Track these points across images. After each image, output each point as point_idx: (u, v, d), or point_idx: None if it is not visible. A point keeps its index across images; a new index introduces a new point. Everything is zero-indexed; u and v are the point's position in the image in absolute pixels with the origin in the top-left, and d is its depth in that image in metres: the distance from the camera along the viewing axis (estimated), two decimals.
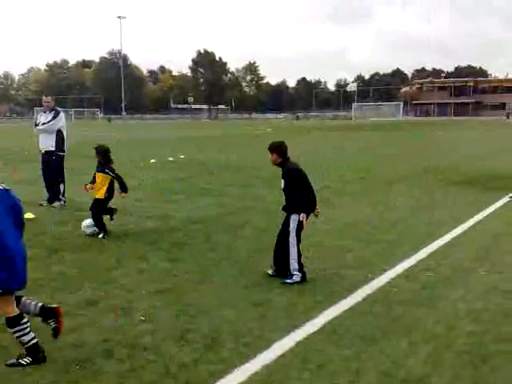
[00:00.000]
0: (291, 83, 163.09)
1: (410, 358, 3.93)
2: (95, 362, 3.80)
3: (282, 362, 3.86)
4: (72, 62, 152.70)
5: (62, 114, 10.17)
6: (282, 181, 5.66)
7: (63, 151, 10.14)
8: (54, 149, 9.97)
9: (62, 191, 10.10)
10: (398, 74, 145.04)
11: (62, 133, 10.04)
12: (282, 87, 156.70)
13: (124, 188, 7.73)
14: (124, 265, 6.18)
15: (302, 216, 5.49)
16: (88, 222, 7.69)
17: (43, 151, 10.12)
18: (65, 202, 10.09)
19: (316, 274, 5.79)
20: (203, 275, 5.83)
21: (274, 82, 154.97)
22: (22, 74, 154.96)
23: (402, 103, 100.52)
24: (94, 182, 7.83)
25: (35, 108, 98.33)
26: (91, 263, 6.27)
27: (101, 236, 7.49)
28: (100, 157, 7.79)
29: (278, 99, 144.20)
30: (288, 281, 5.51)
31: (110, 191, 7.74)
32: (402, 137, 35.43)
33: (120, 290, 5.32)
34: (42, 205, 9.97)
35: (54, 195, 10.07)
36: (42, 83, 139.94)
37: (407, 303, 4.99)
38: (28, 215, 8.72)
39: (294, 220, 5.55)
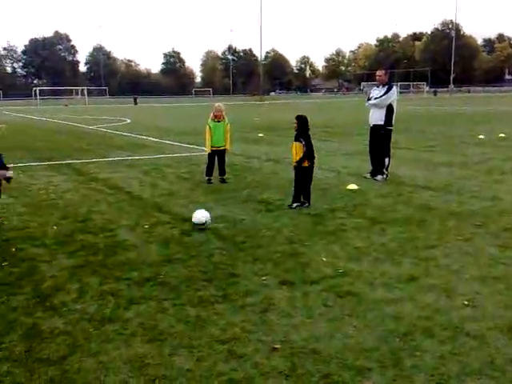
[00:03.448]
0: None
1: None
2: (414, 338, 3.79)
3: None
4: (403, 35, 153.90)
5: (394, 89, 10.21)
6: None
7: (391, 126, 10.26)
8: (382, 123, 10.14)
9: (386, 165, 10.27)
10: None
11: (392, 107, 10.12)
12: None
13: (310, 159, 7.79)
14: (446, 245, 5.98)
15: None
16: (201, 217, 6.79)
17: (372, 125, 10.43)
18: (387, 175, 10.25)
19: None
20: None
21: None
22: (352, 51, 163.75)
23: None
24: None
25: (362, 83, 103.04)
26: (411, 238, 6.24)
27: (295, 206, 7.85)
28: (299, 125, 7.85)
29: None
30: None
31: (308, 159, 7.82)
32: None
33: (441, 270, 5.17)
34: (365, 177, 10.37)
35: (377, 169, 10.33)
36: (371, 58, 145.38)
37: None
38: (351, 186, 9.25)
39: None
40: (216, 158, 10.22)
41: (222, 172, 10.24)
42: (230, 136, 10.37)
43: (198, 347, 3.71)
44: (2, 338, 3.88)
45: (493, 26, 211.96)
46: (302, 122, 7.84)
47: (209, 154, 10.19)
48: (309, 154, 7.79)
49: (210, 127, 10.05)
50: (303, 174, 7.89)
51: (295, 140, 7.89)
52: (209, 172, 10.19)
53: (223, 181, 10.14)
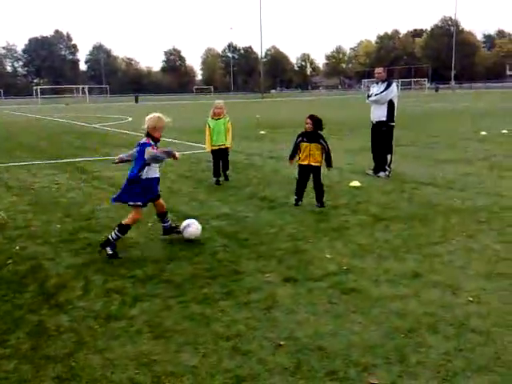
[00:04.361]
0: None
1: None
2: (420, 334, 3.79)
3: None
4: (403, 32, 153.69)
5: (394, 85, 10.23)
6: None
7: (393, 122, 10.27)
8: (385, 119, 10.14)
9: (388, 161, 10.28)
10: None
11: (393, 103, 10.14)
12: None
13: (329, 163, 7.63)
14: (450, 241, 5.97)
15: None
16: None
17: (374, 122, 10.43)
18: (390, 172, 10.24)
19: None
20: None
21: None
22: (353, 48, 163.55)
23: None
24: (295, 154, 7.84)
25: (363, 80, 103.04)
26: (415, 235, 6.24)
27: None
28: (314, 126, 7.54)
29: None
30: None
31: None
32: None
33: (445, 267, 5.18)
34: (368, 174, 10.37)
35: (379, 165, 10.33)
36: (371, 55, 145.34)
37: None
38: (354, 183, 9.25)
39: None
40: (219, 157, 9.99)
41: (225, 167, 10.03)
42: (232, 133, 10.14)
43: (203, 344, 3.72)
44: (8, 336, 3.89)
45: (492, 21, 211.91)
46: (317, 123, 7.54)
47: (212, 152, 9.93)
48: (329, 156, 7.60)
49: (209, 126, 9.80)
50: (308, 173, 7.76)
51: (312, 141, 7.53)
52: (216, 172, 9.88)
53: (226, 177, 10.03)
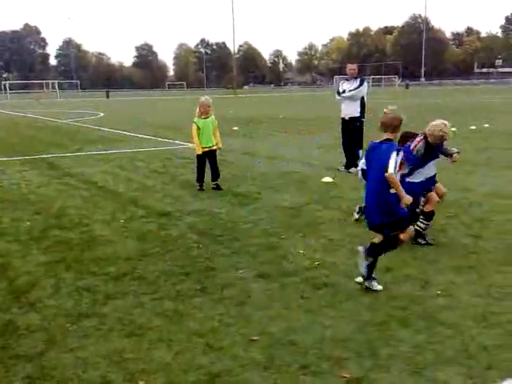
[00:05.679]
0: None
1: None
2: (390, 328, 3.85)
3: None
4: (375, 29, 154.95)
5: (365, 82, 10.39)
6: None
7: (364, 117, 10.42)
8: (358, 115, 10.30)
9: (360, 157, 10.39)
10: None
11: (364, 100, 10.29)
12: None
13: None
14: None
15: None
16: None
17: (347, 118, 10.52)
18: None
19: None
20: (509, 255, 5.33)
21: None
22: (325, 44, 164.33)
23: None
24: None
25: (335, 76, 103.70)
26: None
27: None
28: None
29: None
30: None
31: None
32: None
33: (416, 261, 5.26)
34: (339, 170, 10.46)
35: (351, 161, 10.43)
36: (343, 52, 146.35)
37: None
38: (326, 179, 9.33)
39: None
40: (207, 160, 8.99)
41: (216, 176, 8.98)
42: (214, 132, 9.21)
43: (176, 341, 3.71)
44: None
45: (461, 19, 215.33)
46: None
47: (198, 155, 8.92)
48: None
49: (198, 126, 8.79)
50: None
51: None
52: (200, 177, 8.91)
53: (218, 187, 8.88)
